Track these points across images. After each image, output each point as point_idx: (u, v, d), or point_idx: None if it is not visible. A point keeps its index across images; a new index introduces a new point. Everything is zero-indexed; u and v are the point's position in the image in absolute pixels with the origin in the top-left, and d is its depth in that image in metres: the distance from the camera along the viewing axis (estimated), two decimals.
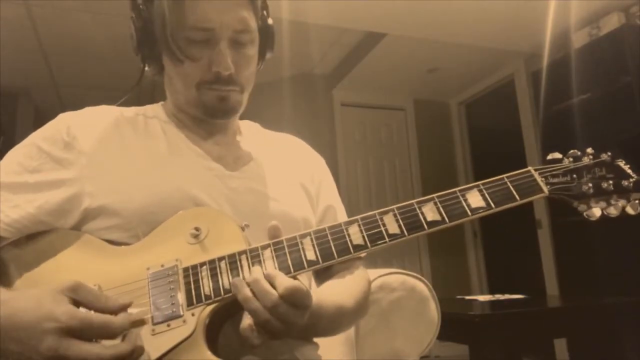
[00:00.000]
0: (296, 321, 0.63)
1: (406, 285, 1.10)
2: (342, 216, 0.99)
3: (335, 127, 4.22)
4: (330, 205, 0.97)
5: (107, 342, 0.61)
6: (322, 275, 0.91)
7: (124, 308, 0.64)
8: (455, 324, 1.83)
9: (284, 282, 0.63)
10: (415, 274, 1.13)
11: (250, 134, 0.99)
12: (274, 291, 0.62)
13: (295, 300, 0.62)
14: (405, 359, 1.09)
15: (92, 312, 0.62)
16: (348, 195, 4.04)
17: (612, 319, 1.95)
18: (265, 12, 0.90)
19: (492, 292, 3.97)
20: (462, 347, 2.20)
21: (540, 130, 3.22)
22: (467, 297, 2.64)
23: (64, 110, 0.86)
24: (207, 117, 0.87)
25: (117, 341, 0.61)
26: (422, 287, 1.11)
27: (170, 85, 0.88)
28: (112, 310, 0.63)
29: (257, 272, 0.65)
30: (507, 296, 2.44)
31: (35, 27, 3.12)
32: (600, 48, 2.90)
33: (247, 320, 0.64)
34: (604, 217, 0.77)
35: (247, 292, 0.64)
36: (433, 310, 1.11)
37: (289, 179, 0.92)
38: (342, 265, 0.90)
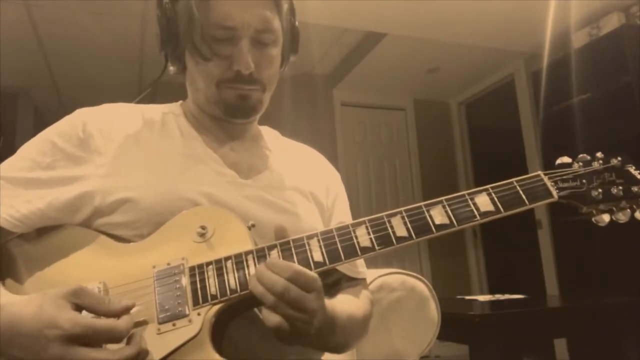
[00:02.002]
0: (312, 306, 0.64)
1: (406, 285, 1.10)
2: None
3: (335, 127, 4.22)
4: (343, 222, 0.97)
5: (112, 346, 0.60)
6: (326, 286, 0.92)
7: (127, 310, 0.63)
8: (455, 324, 1.83)
9: (287, 266, 0.64)
10: (415, 274, 1.13)
11: (268, 141, 0.97)
12: (278, 277, 0.63)
13: (303, 282, 0.64)
14: (405, 359, 1.09)
15: (96, 317, 0.62)
16: (348, 195, 4.02)
17: (612, 319, 1.95)
18: (291, 15, 0.90)
19: (492, 292, 3.97)
20: (462, 347, 2.20)
21: (540, 130, 3.23)
22: (467, 297, 2.63)
23: (63, 110, 0.86)
24: (227, 117, 0.86)
25: (123, 344, 0.61)
26: (422, 287, 1.11)
27: (192, 84, 0.87)
28: (115, 313, 0.62)
29: (260, 266, 0.66)
30: (507, 296, 2.44)
31: (35, 27, 3.12)
32: (600, 48, 2.90)
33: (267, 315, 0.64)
34: (612, 223, 0.76)
35: (257, 284, 0.64)
36: (433, 310, 1.11)
37: (302, 192, 0.91)
38: (348, 283, 0.91)
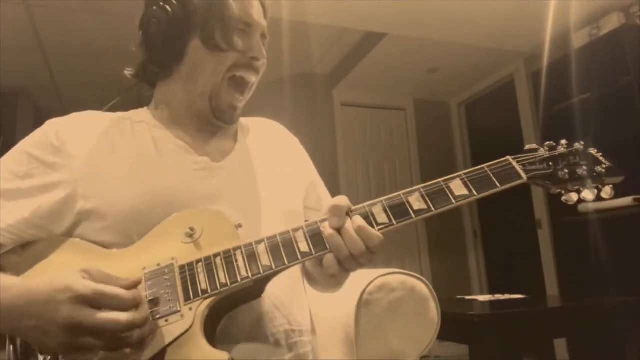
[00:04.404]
0: (368, 264, 0.73)
1: (406, 285, 1.10)
2: (322, 189, 1.05)
3: (335, 127, 4.22)
4: (312, 182, 1.03)
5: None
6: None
7: (134, 285, 0.67)
8: (455, 324, 1.83)
9: (374, 236, 0.71)
10: (415, 274, 1.13)
11: (233, 127, 1.00)
12: (361, 241, 0.70)
13: (377, 248, 0.71)
14: (405, 359, 1.09)
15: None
16: (348, 195, 4.01)
17: (612, 319, 1.95)
18: None
19: (492, 292, 3.97)
20: (462, 347, 2.20)
21: (540, 130, 3.22)
22: (467, 297, 2.64)
23: (64, 111, 0.87)
24: (213, 116, 0.89)
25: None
26: (422, 287, 1.11)
27: (194, 74, 0.88)
28: (123, 287, 0.66)
29: (348, 224, 0.71)
30: (507, 296, 2.44)
31: (35, 27, 3.12)
32: (600, 48, 2.90)
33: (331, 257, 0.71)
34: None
35: (334, 232, 0.71)
36: (433, 310, 1.11)
37: (273, 167, 0.95)
38: None
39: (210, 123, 0.91)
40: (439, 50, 3.66)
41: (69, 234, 0.79)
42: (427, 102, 4.62)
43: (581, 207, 0.71)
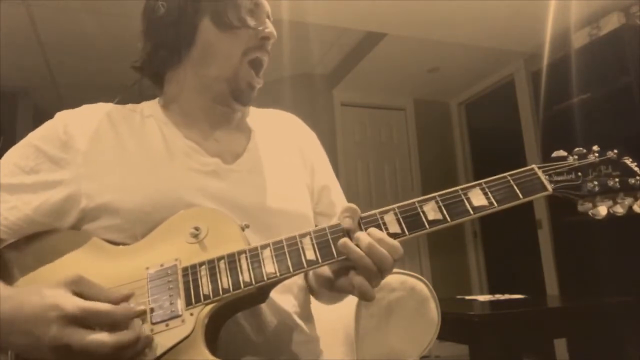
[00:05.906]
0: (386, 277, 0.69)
1: (406, 285, 1.10)
2: (336, 194, 1.01)
3: (335, 127, 4.22)
4: (325, 186, 0.99)
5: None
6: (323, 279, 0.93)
7: (125, 299, 0.65)
8: (455, 324, 1.83)
9: (397, 247, 0.67)
10: (415, 274, 1.13)
11: (249, 120, 0.98)
12: (388, 255, 0.66)
13: (398, 259, 0.67)
14: (406, 359, 1.09)
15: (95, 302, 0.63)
16: (348, 195, 4.00)
17: (612, 319, 1.95)
18: None
19: (492, 292, 3.97)
20: (462, 347, 2.20)
21: (540, 130, 3.22)
22: (467, 297, 2.64)
23: (63, 110, 0.86)
24: (231, 98, 0.88)
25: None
26: (422, 287, 1.11)
27: (206, 57, 0.86)
28: (113, 301, 0.64)
29: (368, 239, 0.67)
30: (507, 296, 2.44)
31: (35, 26, 3.12)
32: (600, 48, 2.90)
33: (359, 278, 0.67)
34: (610, 216, 0.75)
35: (360, 251, 0.66)
36: (433, 310, 1.11)
37: (286, 169, 0.93)
38: None
39: (227, 105, 0.89)
40: (439, 50, 3.65)
41: (75, 229, 0.79)
42: (427, 102, 4.62)
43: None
